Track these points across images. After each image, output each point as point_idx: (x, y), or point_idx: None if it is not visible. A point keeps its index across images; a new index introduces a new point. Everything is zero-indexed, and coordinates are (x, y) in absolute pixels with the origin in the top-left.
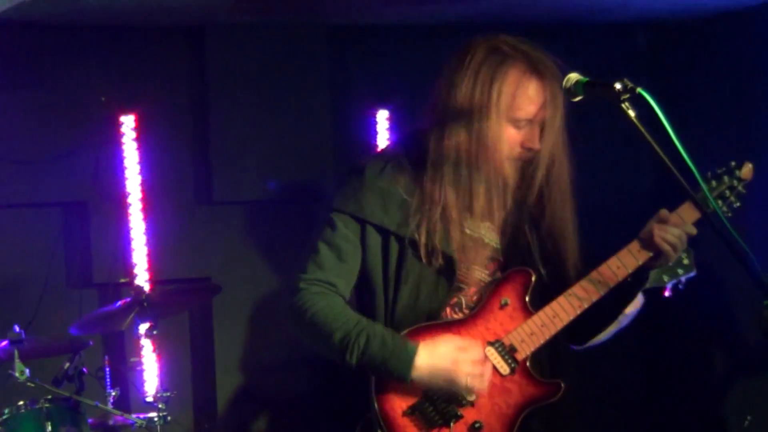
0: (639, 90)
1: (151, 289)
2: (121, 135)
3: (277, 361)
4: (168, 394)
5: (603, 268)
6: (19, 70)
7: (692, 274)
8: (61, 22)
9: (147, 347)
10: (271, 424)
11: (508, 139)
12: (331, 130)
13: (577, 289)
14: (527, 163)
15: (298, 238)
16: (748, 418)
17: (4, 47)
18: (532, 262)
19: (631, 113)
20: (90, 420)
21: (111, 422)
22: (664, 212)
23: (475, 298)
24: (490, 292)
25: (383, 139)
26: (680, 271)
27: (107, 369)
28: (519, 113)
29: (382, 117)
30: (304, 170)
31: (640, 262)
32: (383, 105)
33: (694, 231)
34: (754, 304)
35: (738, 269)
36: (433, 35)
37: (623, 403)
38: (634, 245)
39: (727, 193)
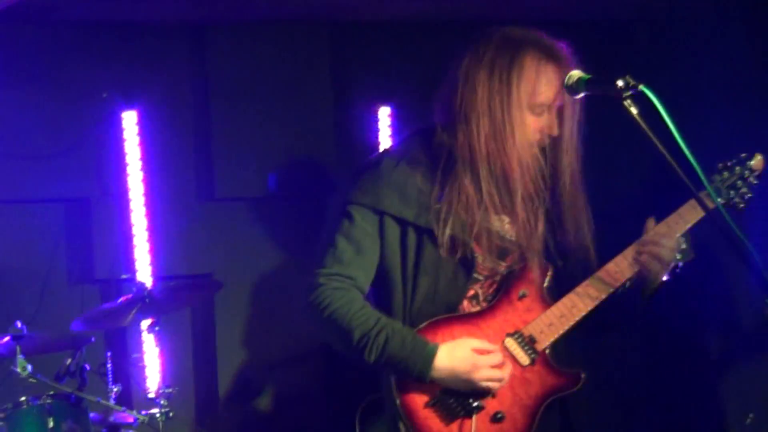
0: (641, 87)
1: (153, 286)
2: (122, 131)
3: (278, 357)
4: (170, 390)
5: (610, 266)
6: (20, 66)
7: (690, 259)
8: (63, 19)
9: (149, 343)
10: (274, 419)
11: (529, 126)
12: (333, 127)
13: (593, 281)
14: (547, 151)
15: (300, 235)
16: (750, 415)
17: (6, 44)
18: (549, 253)
19: (634, 110)
20: (92, 416)
21: (113, 418)
22: (650, 224)
23: (492, 290)
24: (508, 284)
25: (385, 136)
26: (678, 256)
27: (109, 365)
28: (538, 99)
29: (384, 114)
30: (306, 167)
31: (636, 269)
32: (385, 102)
33: (681, 244)
34: (756, 301)
35: (741, 265)
36: (434, 32)
37: (626, 400)
38: (630, 252)
39: (739, 183)
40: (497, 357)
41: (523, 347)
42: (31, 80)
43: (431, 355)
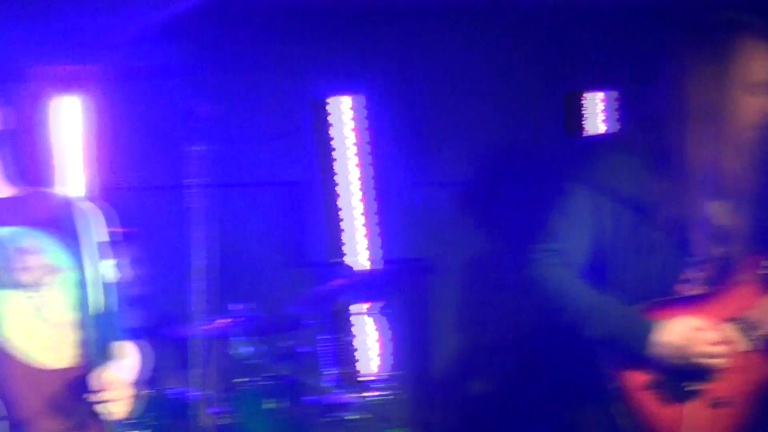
0: None
1: (369, 270)
2: (338, 116)
3: (492, 342)
4: (385, 373)
5: None
6: (241, 54)
7: None
8: (282, 5)
9: (365, 327)
10: (487, 401)
11: (748, 107)
12: (541, 112)
13: None
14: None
15: (513, 219)
16: None
17: (227, 33)
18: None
19: None
20: (309, 398)
21: (329, 400)
22: None
23: (707, 274)
24: (725, 269)
25: (596, 122)
26: None
27: (326, 348)
28: (754, 77)
29: (596, 100)
30: (516, 151)
31: None
32: (596, 88)
33: None
34: None
35: None
36: (641, 18)
37: None
38: None
39: None
40: (716, 335)
41: (743, 332)
42: (252, 67)
43: (648, 330)
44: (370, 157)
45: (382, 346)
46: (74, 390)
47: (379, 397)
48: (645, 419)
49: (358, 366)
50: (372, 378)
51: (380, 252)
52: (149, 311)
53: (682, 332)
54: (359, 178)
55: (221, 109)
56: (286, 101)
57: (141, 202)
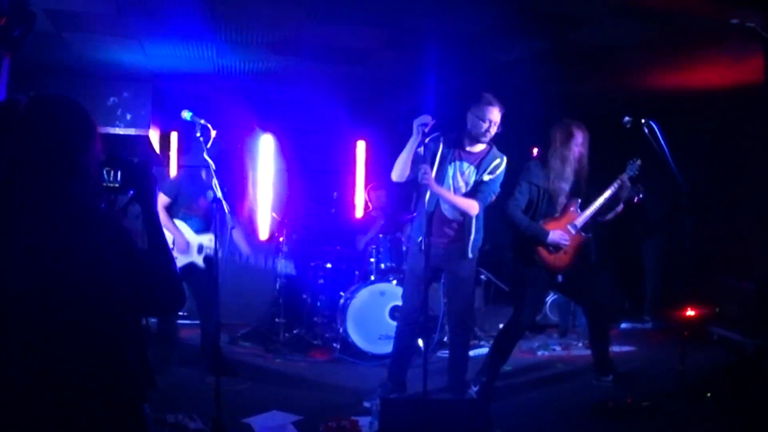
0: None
1: None
2: None
3: None
4: None
5: None
6: None
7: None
8: None
9: None
10: None
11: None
12: None
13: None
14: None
15: None
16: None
17: None
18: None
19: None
20: None
21: None
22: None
23: (561, 209)
24: (565, 211)
25: None
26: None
27: None
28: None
29: None
30: None
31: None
32: None
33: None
34: None
35: None
36: None
37: None
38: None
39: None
40: (565, 233)
41: (569, 231)
42: None
43: (546, 232)
44: None
45: None
46: None
47: None
48: (544, 260)
49: None
50: None
51: None
52: None
53: (555, 234)
54: None
55: None
56: None
57: None
